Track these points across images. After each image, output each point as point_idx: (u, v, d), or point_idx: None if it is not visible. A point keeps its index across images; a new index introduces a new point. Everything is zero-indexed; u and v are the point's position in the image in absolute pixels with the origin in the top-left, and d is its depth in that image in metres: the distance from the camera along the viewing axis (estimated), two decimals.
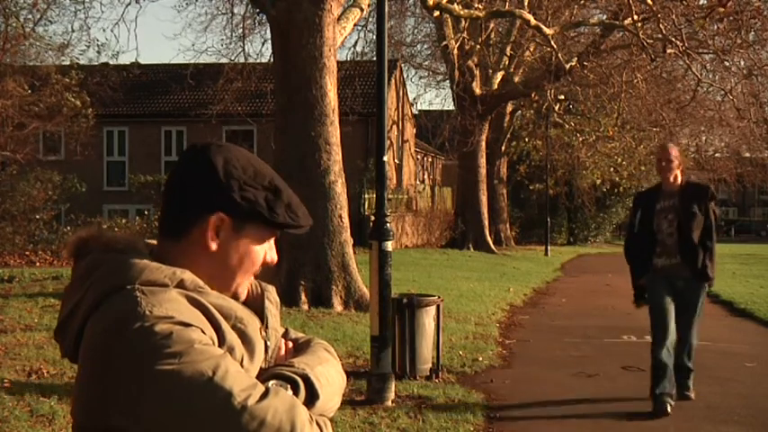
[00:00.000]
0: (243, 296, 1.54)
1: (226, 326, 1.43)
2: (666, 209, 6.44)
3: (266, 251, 1.54)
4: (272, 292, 1.60)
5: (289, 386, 1.43)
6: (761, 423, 6.18)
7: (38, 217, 18.24)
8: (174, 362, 1.32)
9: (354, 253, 11.07)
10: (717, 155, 40.67)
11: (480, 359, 8.27)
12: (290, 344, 1.60)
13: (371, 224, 7.18)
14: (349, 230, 10.88)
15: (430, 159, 39.89)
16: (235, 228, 1.49)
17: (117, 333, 1.36)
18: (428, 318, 7.47)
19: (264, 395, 1.35)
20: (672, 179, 6.44)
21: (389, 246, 6.56)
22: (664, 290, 6.42)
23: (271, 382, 1.41)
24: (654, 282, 6.50)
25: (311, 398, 1.45)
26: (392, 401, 6.38)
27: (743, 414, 6.35)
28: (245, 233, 1.50)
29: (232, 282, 1.51)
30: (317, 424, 1.42)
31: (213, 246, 1.48)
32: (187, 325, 1.36)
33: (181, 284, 1.43)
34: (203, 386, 1.32)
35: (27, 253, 17.29)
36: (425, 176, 38.49)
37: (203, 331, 1.38)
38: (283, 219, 1.51)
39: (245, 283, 1.54)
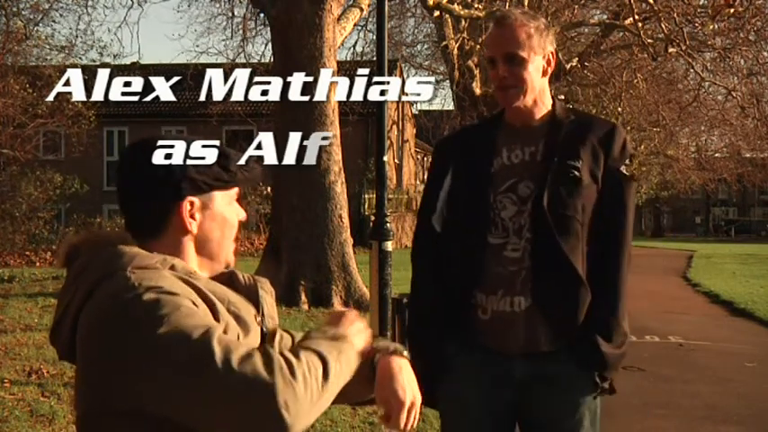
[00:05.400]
0: (232, 260, 1.60)
1: (221, 306, 1.46)
2: (513, 170, 2.46)
3: (236, 212, 1.60)
4: (265, 284, 1.63)
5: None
6: (761, 423, 6.17)
7: (39, 215, 18.25)
8: (162, 322, 1.35)
9: (354, 253, 11.07)
10: (717, 155, 40.70)
11: None
12: None
13: (371, 224, 7.18)
14: (349, 230, 10.87)
15: (430, 159, 39.90)
16: (205, 204, 1.54)
17: (109, 308, 1.39)
18: None
19: (250, 354, 1.34)
20: (526, 103, 2.56)
21: (389, 246, 6.56)
22: (482, 401, 2.40)
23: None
24: (457, 377, 2.43)
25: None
26: None
27: (743, 414, 6.34)
28: (214, 203, 1.55)
29: (221, 253, 1.58)
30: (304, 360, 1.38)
31: (194, 229, 1.53)
32: (175, 294, 1.40)
33: (172, 269, 1.47)
34: (190, 346, 1.34)
35: (27, 253, 17.30)
36: (425, 176, 38.49)
37: (195, 303, 1.41)
38: (242, 176, 1.58)
39: (231, 248, 1.60)
